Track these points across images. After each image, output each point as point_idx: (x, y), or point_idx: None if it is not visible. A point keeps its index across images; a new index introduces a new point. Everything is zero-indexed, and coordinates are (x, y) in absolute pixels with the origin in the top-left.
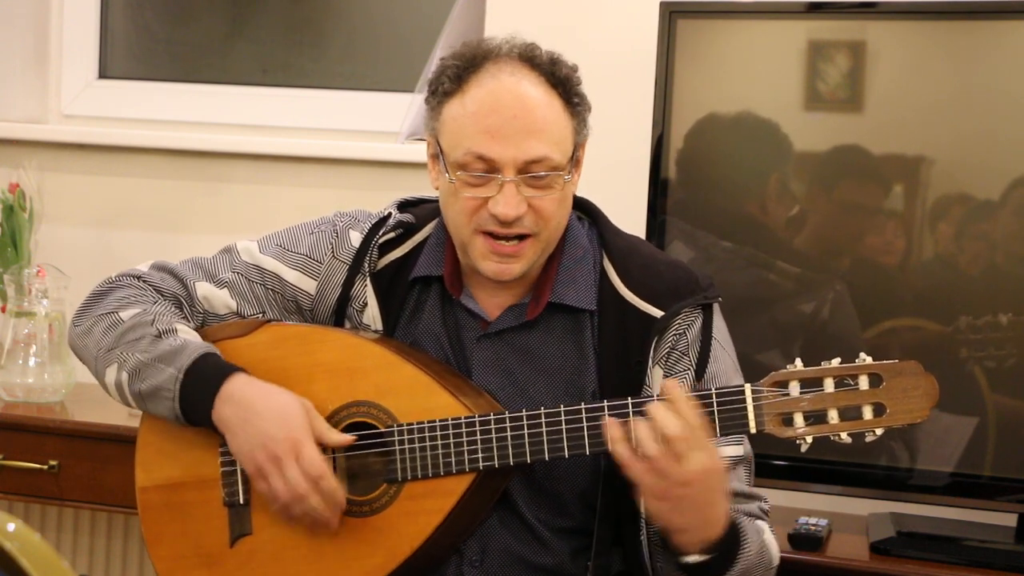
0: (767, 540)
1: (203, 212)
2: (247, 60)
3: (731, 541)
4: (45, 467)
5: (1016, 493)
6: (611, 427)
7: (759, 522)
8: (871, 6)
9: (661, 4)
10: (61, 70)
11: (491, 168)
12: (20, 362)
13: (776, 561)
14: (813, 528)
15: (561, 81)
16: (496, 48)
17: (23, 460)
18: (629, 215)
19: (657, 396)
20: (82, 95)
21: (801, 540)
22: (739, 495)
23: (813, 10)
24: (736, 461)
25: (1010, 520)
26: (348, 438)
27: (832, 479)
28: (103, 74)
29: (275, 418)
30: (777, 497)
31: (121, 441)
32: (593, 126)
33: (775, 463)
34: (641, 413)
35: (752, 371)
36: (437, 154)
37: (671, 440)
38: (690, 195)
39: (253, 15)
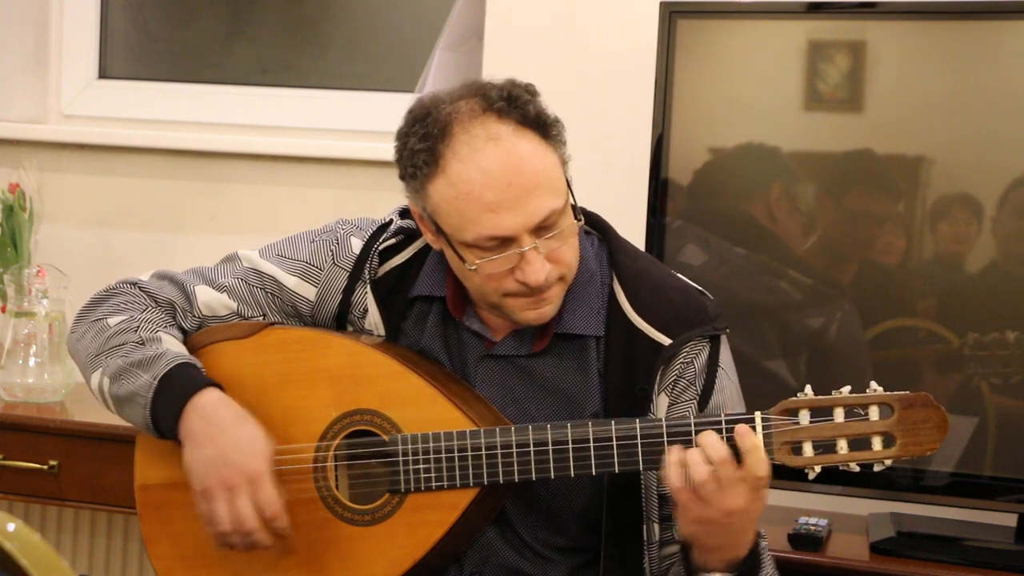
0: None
1: (203, 212)
2: (247, 60)
3: (754, 561)
4: (45, 467)
5: (1016, 493)
6: (672, 451)
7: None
8: (871, 6)
9: (661, 4)
10: (61, 70)
11: (505, 241)
12: (20, 362)
13: None
14: (813, 528)
15: (532, 120)
16: (455, 106)
17: (23, 460)
18: (629, 216)
19: (668, 421)
20: (82, 95)
21: (801, 540)
22: None
23: (813, 10)
24: None
25: (1010, 520)
26: (279, 505)
27: (832, 479)
28: (103, 74)
29: (240, 446)
30: (777, 497)
31: (121, 441)
32: (593, 126)
33: (774, 463)
34: (650, 434)
35: (759, 378)
36: (431, 227)
37: (718, 467)
38: (691, 197)
39: (253, 15)
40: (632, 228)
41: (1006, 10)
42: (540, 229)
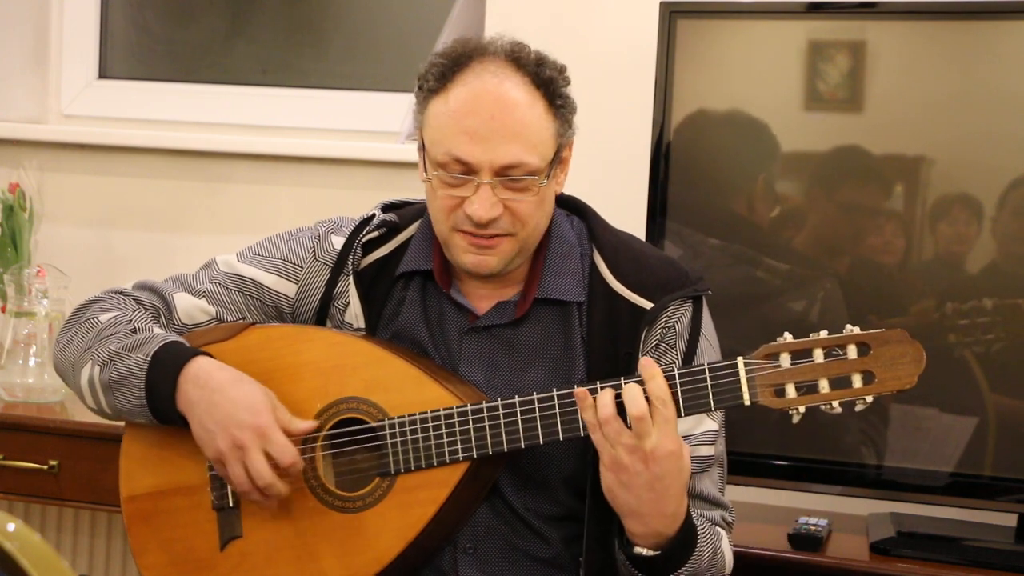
0: (723, 547)
1: (203, 212)
2: (247, 60)
3: (684, 543)
4: (45, 467)
5: (1016, 493)
6: (581, 395)
7: (719, 529)
8: (871, 6)
9: (661, 4)
10: (61, 70)
11: (468, 170)
12: (20, 362)
13: (728, 570)
14: (813, 528)
15: (545, 82)
16: (483, 47)
17: (23, 460)
18: (628, 214)
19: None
20: (82, 95)
21: (801, 540)
22: (706, 500)
23: (813, 10)
24: (708, 462)
25: (1010, 520)
26: (312, 424)
27: (832, 479)
28: (103, 74)
29: (242, 404)
30: (777, 497)
31: (121, 441)
32: (593, 126)
33: (775, 463)
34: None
35: None
36: (421, 147)
37: (626, 407)
38: (687, 196)
39: (253, 15)
40: (632, 228)
41: (1006, 10)
42: (505, 176)
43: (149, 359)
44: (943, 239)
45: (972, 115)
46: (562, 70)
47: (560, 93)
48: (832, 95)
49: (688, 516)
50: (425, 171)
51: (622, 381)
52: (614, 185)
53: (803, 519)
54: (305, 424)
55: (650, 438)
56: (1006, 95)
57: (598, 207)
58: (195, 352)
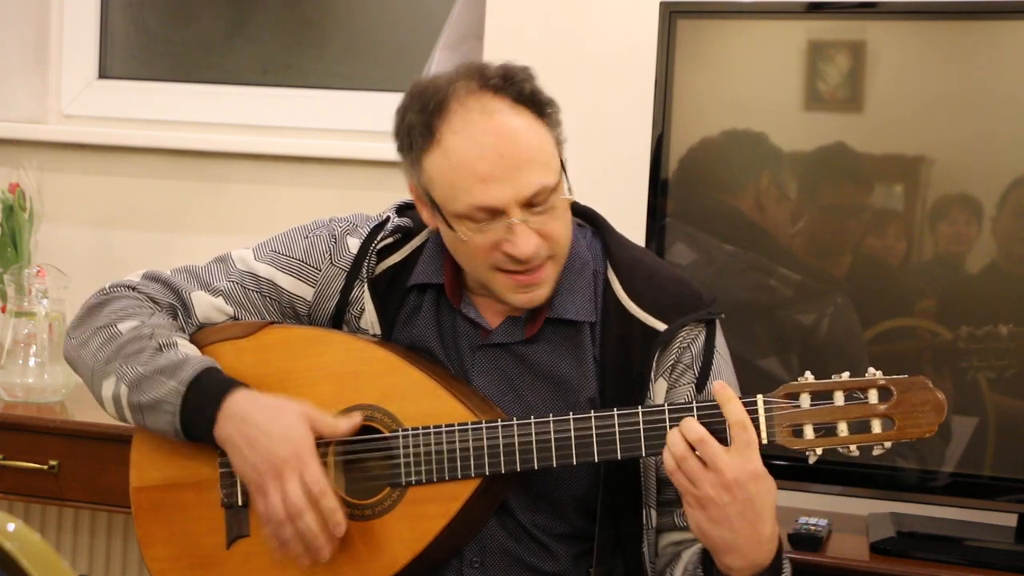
0: None
1: (203, 212)
2: (247, 60)
3: (778, 568)
4: (45, 467)
5: (1016, 493)
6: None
7: None
8: (871, 6)
9: (661, 4)
10: (61, 70)
11: (495, 213)
12: (20, 362)
13: None
14: (813, 528)
15: (527, 97)
16: (451, 86)
17: (23, 460)
18: (629, 216)
19: (671, 404)
20: (82, 95)
21: (801, 540)
22: None
23: (813, 10)
24: None
25: (1010, 520)
26: (355, 422)
27: (832, 479)
28: (103, 74)
29: (279, 435)
30: (777, 497)
31: (121, 441)
32: (593, 126)
33: (775, 463)
34: (652, 421)
35: (751, 376)
36: (426, 202)
37: (695, 444)
38: (686, 197)
39: (253, 15)
40: (632, 228)
41: (1006, 10)
42: (531, 204)
43: (184, 389)
44: (943, 239)
45: (972, 115)
46: (525, 69)
47: (543, 100)
48: (832, 95)
49: (780, 541)
50: (447, 224)
51: (693, 410)
52: (614, 186)
53: (803, 519)
54: (347, 424)
55: (723, 460)
56: (1006, 95)
57: (598, 208)
58: (230, 383)
